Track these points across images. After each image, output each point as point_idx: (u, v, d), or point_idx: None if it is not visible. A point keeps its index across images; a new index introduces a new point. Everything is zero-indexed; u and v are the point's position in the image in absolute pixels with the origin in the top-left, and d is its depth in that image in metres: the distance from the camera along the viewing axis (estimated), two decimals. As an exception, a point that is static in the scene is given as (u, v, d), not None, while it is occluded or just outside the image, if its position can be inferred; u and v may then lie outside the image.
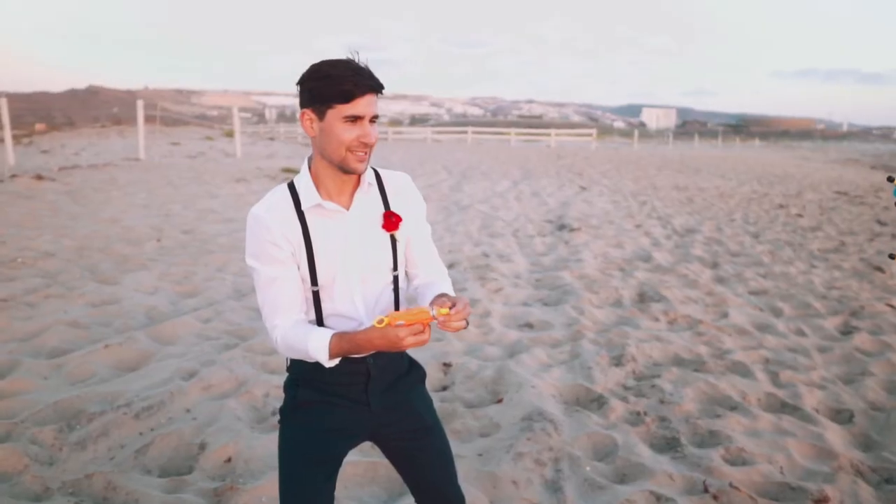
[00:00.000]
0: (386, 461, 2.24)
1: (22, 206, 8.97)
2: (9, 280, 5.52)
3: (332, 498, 1.72)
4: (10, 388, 3.52)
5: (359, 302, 1.68)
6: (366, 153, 1.58)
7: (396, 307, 1.75)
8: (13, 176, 11.39)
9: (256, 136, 37.72)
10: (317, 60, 1.58)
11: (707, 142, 68.88)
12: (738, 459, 3.05)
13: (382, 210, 1.70)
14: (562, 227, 9.14)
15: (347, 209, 1.66)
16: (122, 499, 2.62)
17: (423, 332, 1.50)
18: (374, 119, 1.58)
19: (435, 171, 17.22)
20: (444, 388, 3.84)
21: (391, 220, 1.68)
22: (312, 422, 1.71)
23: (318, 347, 1.58)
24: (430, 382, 3.62)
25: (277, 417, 1.81)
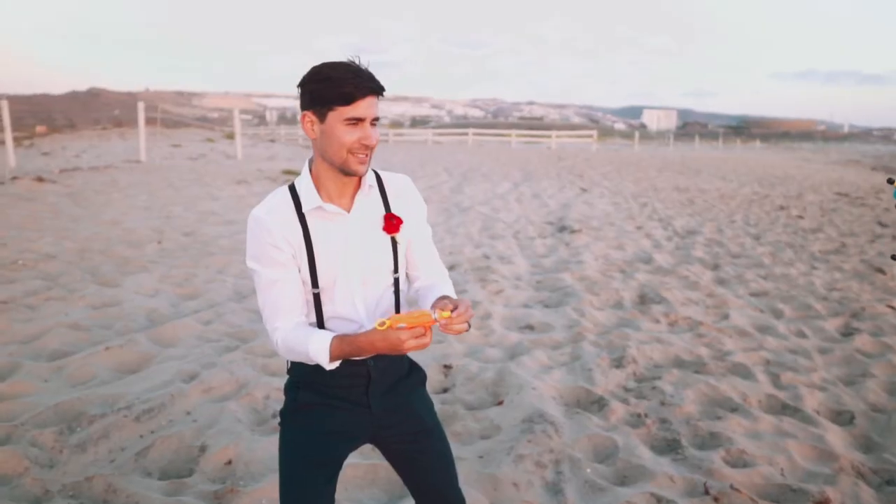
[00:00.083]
0: (386, 463, 2.24)
1: (23, 208, 8.97)
2: (9, 282, 5.52)
3: (332, 500, 1.72)
4: (10, 390, 3.53)
5: (359, 304, 1.68)
6: (367, 155, 1.59)
7: (397, 309, 1.75)
8: (14, 178, 11.40)
9: (257, 137, 37.75)
10: (317, 62, 1.58)
11: (708, 143, 68.89)
12: (739, 461, 3.05)
13: (383, 212, 1.70)
14: (562, 229, 9.14)
15: (348, 211, 1.66)
16: (122, 501, 2.62)
17: (424, 335, 1.50)
18: (374, 121, 1.58)
19: (436, 173, 17.23)
20: (445, 390, 3.84)
21: (392, 223, 1.68)
22: (313, 424, 1.71)
23: (318, 350, 1.58)
24: (431, 384, 3.62)
25: (278, 420, 1.81)
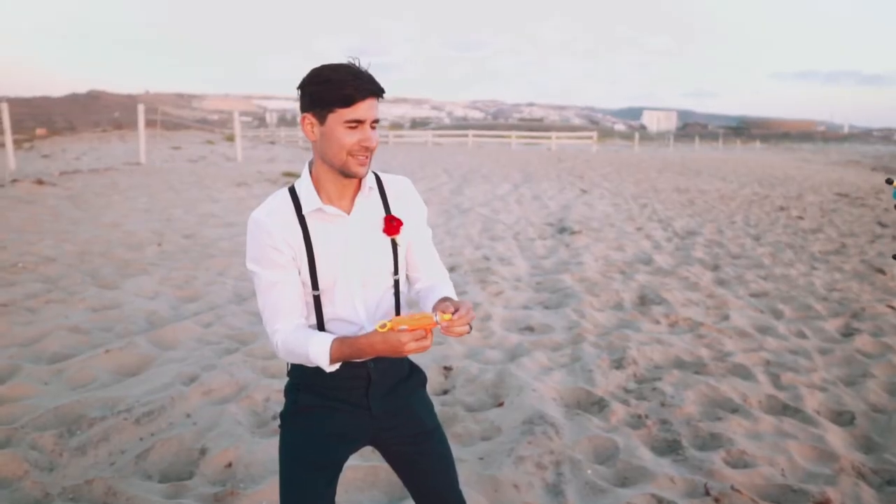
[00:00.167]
0: (386, 465, 2.25)
1: (23, 210, 8.98)
2: (9, 285, 5.52)
3: (332, 502, 1.72)
4: (10, 393, 3.52)
5: (360, 306, 1.69)
6: (367, 157, 1.59)
7: (397, 311, 1.75)
8: (14, 181, 11.40)
9: (257, 139, 37.77)
10: (317, 64, 1.58)
11: (708, 144, 68.94)
12: (740, 462, 3.04)
13: (383, 214, 1.70)
14: (562, 230, 9.14)
15: (348, 213, 1.66)
16: (122, 504, 2.62)
17: (425, 337, 1.50)
18: (374, 123, 1.58)
19: (436, 175, 17.24)
20: (445, 392, 3.84)
21: (392, 225, 1.68)
22: (313, 426, 1.71)
23: (318, 352, 1.58)
24: (431, 386, 3.62)
25: (278, 422, 1.81)
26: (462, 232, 8.86)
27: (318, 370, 1.64)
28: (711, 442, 3.24)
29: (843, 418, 3.58)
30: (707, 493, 2.75)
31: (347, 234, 1.65)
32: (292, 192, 1.66)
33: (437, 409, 3.32)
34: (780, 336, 4.87)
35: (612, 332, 4.79)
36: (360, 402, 1.71)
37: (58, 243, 7.10)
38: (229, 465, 2.91)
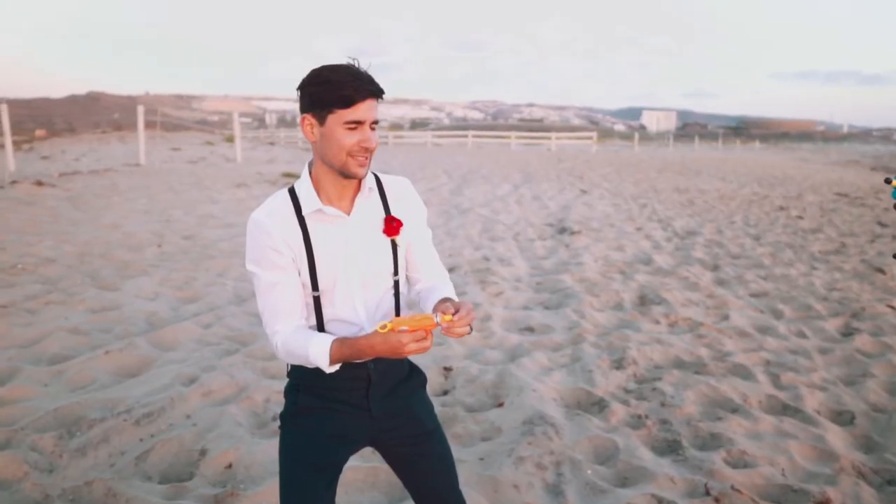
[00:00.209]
0: (387, 466, 2.24)
1: (22, 212, 8.98)
2: (9, 286, 5.52)
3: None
4: (10, 395, 3.52)
5: (360, 307, 1.68)
6: (366, 158, 1.59)
7: (397, 312, 1.75)
8: (14, 182, 11.40)
9: (257, 140, 37.77)
10: (317, 65, 1.58)
11: (707, 144, 68.97)
12: (740, 462, 3.04)
13: (383, 215, 1.70)
14: (562, 231, 9.14)
15: (348, 214, 1.66)
16: (122, 505, 2.61)
17: (425, 338, 1.50)
18: (374, 124, 1.58)
19: (435, 176, 17.24)
20: (445, 393, 3.84)
21: (392, 225, 1.68)
22: (313, 428, 1.70)
23: (318, 353, 1.58)
24: (431, 387, 3.61)
25: (278, 423, 1.81)
26: (462, 232, 8.86)
27: (318, 371, 1.64)
28: (711, 442, 3.23)
29: (843, 418, 3.58)
30: (707, 493, 2.75)
31: (347, 234, 1.65)
32: (292, 192, 1.66)
33: (437, 409, 3.32)
34: (780, 336, 4.87)
35: (612, 333, 4.79)
36: (360, 404, 1.71)
37: (57, 244, 7.10)
38: (229, 466, 2.91)
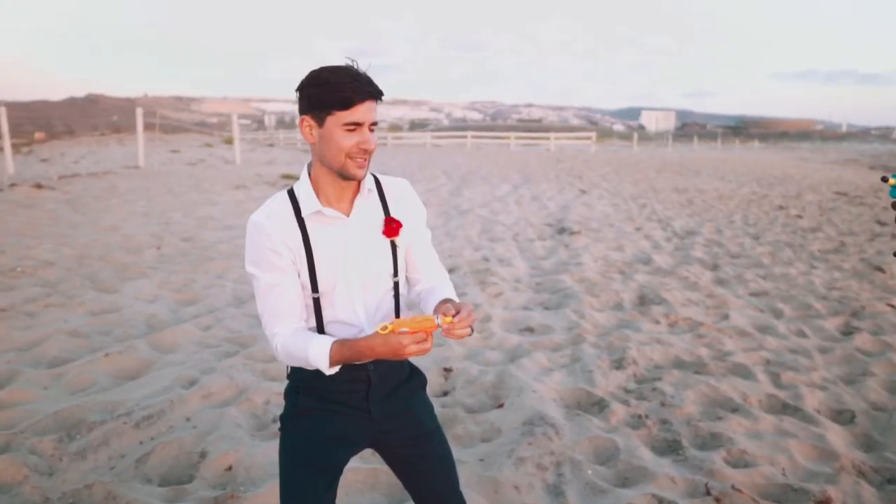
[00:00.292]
0: (387, 468, 2.24)
1: (21, 215, 8.97)
2: (8, 289, 5.52)
3: (333, 506, 1.72)
4: (9, 398, 3.52)
5: (359, 309, 1.68)
6: (365, 159, 1.59)
7: (397, 313, 1.75)
8: (13, 185, 11.39)
9: (256, 142, 37.77)
10: (316, 66, 1.58)
11: (706, 144, 69.01)
12: (740, 461, 3.04)
13: (382, 216, 1.70)
14: (562, 231, 9.14)
15: (347, 216, 1.66)
16: (123, 508, 2.61)
17: (425, 340, 1.50)
18: (373, 125, 1.58)
19: (434, 176, 17.24)
20: (445, 394, 3.84)
21: (392, 226, 1.68)
22: (313, 429, 1.70)
23: (318, 355, 1.58)
24: (431, 388, 3.62)
25: (278, 425, 1.80)
26: (461, 233, 8.85)
27: (317, 373, 1.63)
28: (712, 442, 3.23)
29: (843, 417, 3.58)
30: (708, 493, 2.75)
31: (347, 236, 1.65)
32: (291, 194, 1.66)
33: (437, 410, 3.32)
34: (780, 335, 4.87)
35: (611, 333, 4.79)
36: (360, 405, 1.71)
37: (56, 247, 7.10)
38: (229, 468, 2.90)
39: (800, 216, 11.12)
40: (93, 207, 9.96)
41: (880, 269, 6.94)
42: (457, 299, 1.67)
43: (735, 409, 3.59)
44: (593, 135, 42.93)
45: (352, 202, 1.67)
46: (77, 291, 5.56)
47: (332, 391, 1.69)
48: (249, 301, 5.42)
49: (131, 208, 10.07)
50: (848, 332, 4.98)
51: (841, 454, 3.09)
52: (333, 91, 1.52)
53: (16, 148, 18.61)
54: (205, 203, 10.92)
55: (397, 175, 1.80)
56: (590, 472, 2.93)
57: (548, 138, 39.88)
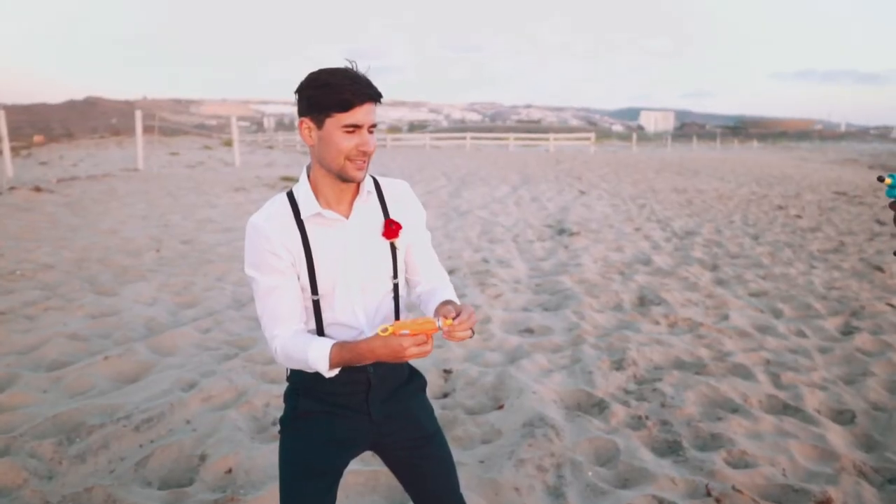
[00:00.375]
0: (387, 470, 2.24)
1: (20, 218, 8.96)
2: (7, 293, 5.51)
3: (333, 508, 1.72)
4: (8, 401, 3.51)
5: (359, 311, 1.68)
6: (364, 162, 1.59)
7: (397, 315, 1.75)
8: (12, 188, 11.39)
9: (255, 144, 37.78)
10: (315, 68, 1.58)
11: (705, 144, 69.09)
12: (741, 462, 3.04)
13: (382, 218, 1.69)
14: (561, 232, 9.14)
15: (347, 218, 1.66)
16: (122, 511, 2.61)
17: (426, 342, 1.49)
18: (372, 127, 1.58)
19: (434, 178, 17.24)
20: (445, 395, 3.83)
21: (391, 228, 1.68)
22: (313, 432, 1.70)
23: (318, 357, 1.58)
24: (431, 389, 3.61)
25: (278, 428, 1.80)
26: (461, 235, 8.85)
27: (317, 375, 1.63)
28: (712, 442, 3.23)
29: (843, 417, 3.58)
30: (708, 494, 2.75)
31: (346, 238, 1.65)
32: (290, 196, 1.66)
33: (437, 412, 3.32)
34: (780, 335, 4.86)
35: (611, 334, 4.79)
36: (359, 408, 1.70)
37: (56, 250, 7.10)
38: (229, 471, 2.90)
39: (799, 216, 11.12)
40: (92, 210, 9.96)
41: (880, 269, 6.94)
42: (458, 301, 1.66)
43: (735, 410, 3.59)
44: (592, 135, 42.95)
45: (351, 204, 1.67)
46: (76, 294, 5.56)
47: (331, 394, 1.68)
48: (249, 303, 5.41)
49: (130, 211, 10.07)
50: (848, 331, 4.98)
51: (841, 454, 3.09)
52: (332, 93, 1.52)
53: (15, 151, 18.61)
54: (204, 205, 10.92)
55: (396, 177, 1.80)
56: (590, 473, 2.93)
57: (547, 139, 39.89)
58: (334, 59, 1.69)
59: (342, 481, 2.04)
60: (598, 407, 3.61)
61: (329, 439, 1.70)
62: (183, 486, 2.85)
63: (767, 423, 3.43)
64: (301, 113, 1.59)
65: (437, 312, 1.56)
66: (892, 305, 5.61)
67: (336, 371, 1.62)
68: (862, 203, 13.16)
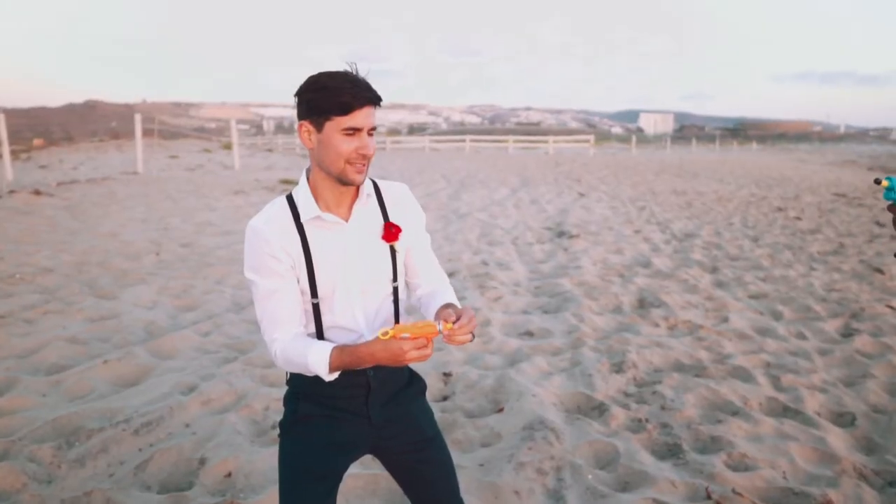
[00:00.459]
0: (387, 474, 2.24)
1: (20, 221, 8.96)
2: (7, 296, 5.51)
3: (333, 511, 1.71)
4: (8, 405, 3.51)
5: (359, 314, 1.68)
6: (364, 165, 1.59)
7: (397, 318, 1.75)
8: (11, 192, 11.39)
9: (254, 147, 37.79)
10: (314, 71, 1.58)
11: (704, 146, 69.15)
12: (741, 465, 3.04)
13: (381, 221, 1.69)
14: (561, 234, 9.14)
15: (346, 221, 1.66)
16: (122, 515, 2.60)
17: (426, 346, 1.49)
18: (372, 131, 1.58)
19: (433, 180, 17.25)
20: (445, 399, 3.83)
21: (391, 231, 1.68)
22: (313, 436, 1.70)
23: (317, 361, 1.57)
24: (431, 393, 3.61)
25: (277, 431, 1.80)
26: (460, 237, 8.85)
27: (317, 379, 1.63)
28: (712, 445, 3.23)
29: (843, 419, 3.58)
30: (708, 497, 2.74)
31: (346, 241, 1.65)
32: (290, 199, 1.66)
33: (437, 415, 3.32)
34: (780, 337, 4.86)
35: (611, 336, 4.78)
36: (359, 411, 1.70)
37: (55, 254, 7.09)
38: (229, 474, 2.90)
39: (799, 218, 11.12)
40: (91, 214, 9.96)
41: (880, 271, 6.94)
42: (458, 304, 1.66)
43: (735, 413, 3.58)
44: (591, 138, 42.96)
45: (351, 207, 1.67)
46: (76, 298, 5.55)
47: (331, 397, 1.68)
48: (248, 307, 5.41)
49: (130, 214, 10.07)
50: (848, 333, 4.98)
51: (842, 457, 3.09)
52: (332, 96, 1.52)
53: (14, 154, 18.62)
54: (203, 208, 10.92)
55: (396, 179, 1.80)
56: (590, 476, 2.92)
57: (546, 142, 39.91)
58: (334, 62, 1.69)
59: (342, 485, 2.04)
60: (598, 410, 3.61)
61: (329, 443, 1.70)
62: (182, 489, 2.84)
63: (767, 425, 3.42)
64: (300, 116, 1.59)
65: (438, 316, 1.56)
66: (892, 307, 5.61)
67: (336, 375, 1.62)
68: (861, 205, 13.17)
